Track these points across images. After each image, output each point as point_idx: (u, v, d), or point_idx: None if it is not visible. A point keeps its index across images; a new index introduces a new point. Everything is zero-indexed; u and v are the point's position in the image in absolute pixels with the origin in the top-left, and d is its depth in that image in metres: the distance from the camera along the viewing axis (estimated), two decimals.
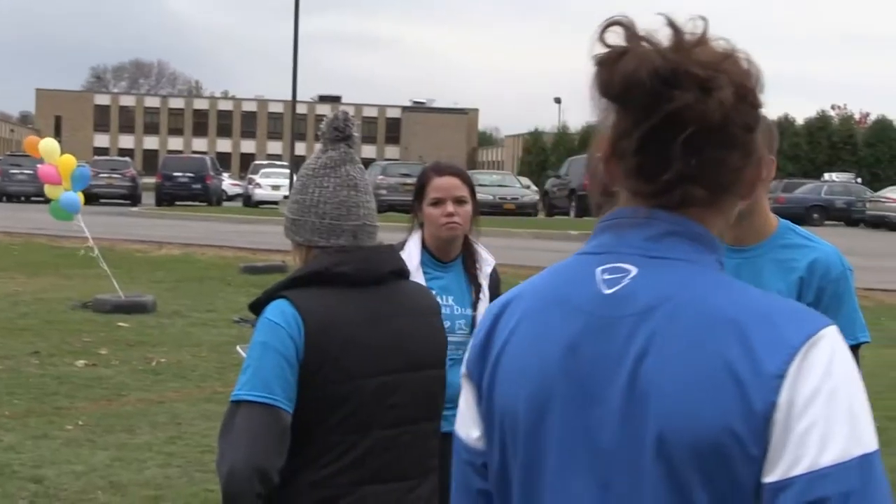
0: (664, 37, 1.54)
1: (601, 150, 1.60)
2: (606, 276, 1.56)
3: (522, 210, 37.76)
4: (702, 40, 1.54)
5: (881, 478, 1.44)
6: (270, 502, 2.72)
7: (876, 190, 38.92)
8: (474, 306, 4.31)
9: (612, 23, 1.55)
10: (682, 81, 1.50)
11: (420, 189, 4.30)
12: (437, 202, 4.23)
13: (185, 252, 20.96)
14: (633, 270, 1.55)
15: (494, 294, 4.30)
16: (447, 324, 3.92)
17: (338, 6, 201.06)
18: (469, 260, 4.38)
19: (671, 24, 1.54)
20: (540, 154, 77.43)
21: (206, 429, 7.94)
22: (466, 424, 1.68)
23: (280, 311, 2.77)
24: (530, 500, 1.59)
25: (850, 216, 41.80)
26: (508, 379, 1.60)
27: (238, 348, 3.22)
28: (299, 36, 41.44)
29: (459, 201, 4.24)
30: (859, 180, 50.62)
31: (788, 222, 3.34)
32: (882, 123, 57.83)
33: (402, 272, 2.98)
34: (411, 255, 4.19)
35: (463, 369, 1.70)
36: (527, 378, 1.58)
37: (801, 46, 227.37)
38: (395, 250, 3.02)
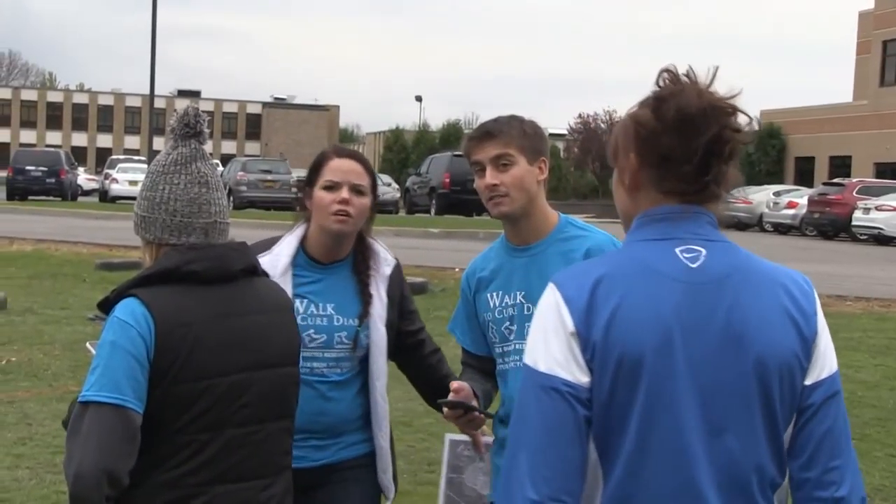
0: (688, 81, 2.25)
1: (633, 162, 2.27)
2: (686, 255, 2.22)
3: (383, 207, 37.70)
4: (711, 83, 2.24)
5: None
6: (120, 503, 2.67)
7: None
8: (361, 319, 3.67)
9: (663, 70, 2.25)
10: (720, 111, 2.21)
11: (314, 170, 3.69)
12: (332, 186, 3.63)
13: (38, 248, 20.41)
14: (703, 251, 2.22)
15: (399, 296, 3.81)
16: (322, 337, 3.63)
17: None
18: (361, 263, 3.74)
19: (690, 72, 2.25)
20: (401, 152, 77.52)
21: (57, 429, 7.75)
22: (572, 370, 2.17)
23: (130, 309, 2.73)
24: (651, 419, 2.14)
25: None
26: (629, 332, 2.15)
27: (88, 345, 3.14)
28: (157, 28, 40.85)
29: (357, 190, 3.64)
30: None
31: (568, 217, 3.57)
32: None
33: (254, 270, 2.96)
34: (281, 255, 3.67)
35: (571, 329, 2.18)
36: (648, 330, 2.15)
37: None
38: (246, 248, 2.98)
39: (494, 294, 3.51)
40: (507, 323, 3.47)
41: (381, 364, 3.70)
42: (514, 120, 3.49)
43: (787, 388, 2.21)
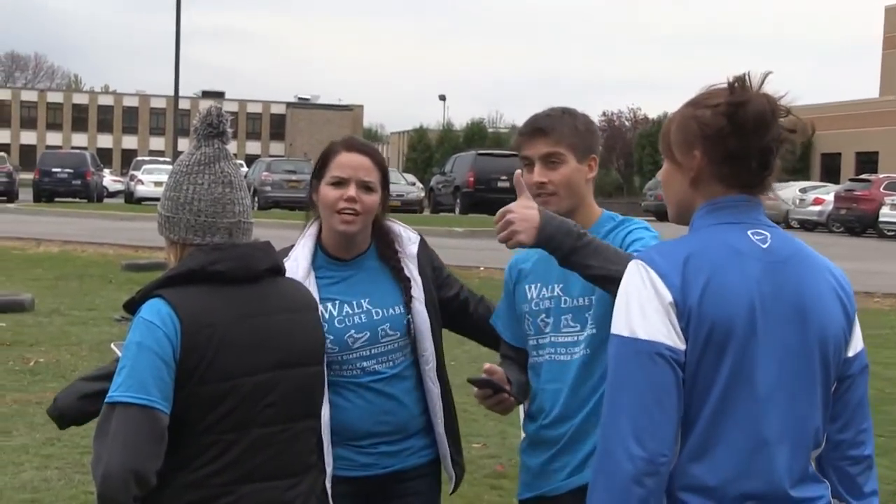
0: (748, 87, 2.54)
1: (699, 159, 2.54)
2: (756, 238, 2.52)
3: (408, 207, 37.61)
4: (760, 87, 2.52)
5: None
6: (146, 503, 2.68)
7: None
8: (408, 307, 3.58)
9: (736, 78, 2.52)
10: (779, 114, 2.52)
11: (321, 165, 3.53)
12: (338, 183, 3.47)
13: (64, 249, 20.50)
14: (769, 234, 2.53)
15: (431, 268, 3.70)
16: (365, 334, 3.54)
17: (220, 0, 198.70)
18: (387, 249, 3.61)
19: (748, 78, 2.53)
20: (425, 151, 77.60)
21: (85, 429, 7.71)
22: (672, 337, 2.42)
23: (156, 310, 2.73)
24: (734, 383, 2.42)
25: None
26: (720, 303, 2.42)
27: (113, 345, 3.15)
28: (181, 30, 41.02)
29: (366, 187, 3.48)
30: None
31: (609, 212, 3.55)
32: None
33: (279, 269, 2.96)
34: (299, 259, 3.51)
35: (669, 299, 2.42)
36: (736, 302, 2.43)
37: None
38: (270, 247, 2.97)
39: (532, 286, 3.47)
40: (543, 315, 3.43)
41: (427, 347, 3.61)
42: (567, 115, 3.44)
43: (836, 360, 2.53)
